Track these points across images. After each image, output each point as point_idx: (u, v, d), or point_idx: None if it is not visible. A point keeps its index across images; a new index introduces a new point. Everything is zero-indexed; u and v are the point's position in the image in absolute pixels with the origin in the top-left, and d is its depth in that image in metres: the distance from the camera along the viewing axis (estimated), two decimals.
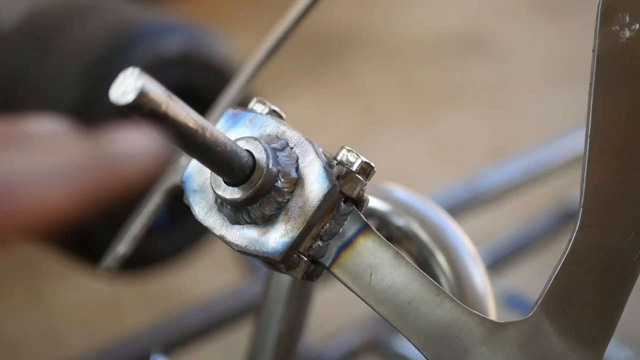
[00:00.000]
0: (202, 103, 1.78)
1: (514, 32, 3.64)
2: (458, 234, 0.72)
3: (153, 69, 1.65)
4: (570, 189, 1.90)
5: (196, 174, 0.64)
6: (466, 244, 0.72)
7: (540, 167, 1.65)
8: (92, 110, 1.59)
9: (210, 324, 1.38)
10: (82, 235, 1.67)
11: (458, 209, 1.50)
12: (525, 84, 3.31)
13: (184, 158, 0.78)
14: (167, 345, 1.28)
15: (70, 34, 1.65)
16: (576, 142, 1.70)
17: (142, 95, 0.49)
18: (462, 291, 0.70)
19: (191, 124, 0.52)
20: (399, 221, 0.73)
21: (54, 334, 2.39)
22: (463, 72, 3.40)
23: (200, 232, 1.84)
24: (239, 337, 1.99)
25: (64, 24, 1.67)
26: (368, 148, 2.88)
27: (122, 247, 0.79)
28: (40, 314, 2.45)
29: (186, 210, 1.73)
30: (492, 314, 0.70)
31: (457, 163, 2.83)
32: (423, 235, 0.72)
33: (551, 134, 2.80)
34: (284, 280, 0.81)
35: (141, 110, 0.49)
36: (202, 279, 2.42)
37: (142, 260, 1.81)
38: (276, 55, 0.84)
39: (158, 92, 0.50)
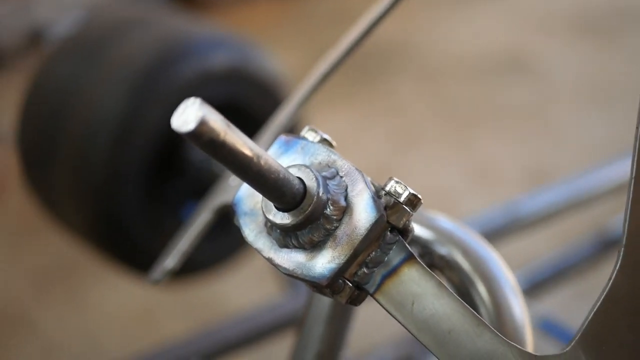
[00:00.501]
0: (248, 119, 1.82)
1: (555, 54, 3.63)
2: (499, 264, 0.73)
3: (200, 84, 1.69)
4: (610, 216, 1.90)
5: (247, 197, 0.66)
6: (507, 275, 0.73)
7: (580, 195, 1.65)
8: (139, 123, 1.63)
9: (249, 336, 1.40)
10: (127, 243, 1.70)
11: (496, 234, 1.51)
12: (566, 107, 3.31)
13: (233, 178, 0.81)
14: (205, 355, 1.30)
15: (119, 47, 1.68)
16: (617, 171, 1.70)
17: (202, 124, 0.50)
18: (501, 321, 0.71)
19: (247, 152, 0.54)
20: (442, 250, 0.74)
21: (92, 338, 2.43)
22: (503, 93, 3.40)
23: (241, 243, 1.86)
24: (277, 350, 2.02)
25: (113, 37, 1.71)
26: (404, 167, 2.89)
27: (171, 261, 0.82)
28: (79, 317, 2.49)
29: (227, 222, 1.75)
30: (530, 346, 0.71)
31: (495, 185, 2.84)
32: (465, 265, 0.73)
33: (590, 158, 2.80)
34: (325, 301, 0.83)
35: (201, 138, 0.51)
36: (239, 291, 2.44)
37: (183, 268, 1.83)
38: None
39: (217, 122, 0.52)
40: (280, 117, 0.86)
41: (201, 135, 0.51)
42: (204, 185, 1.83)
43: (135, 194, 1.67)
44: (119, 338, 2.41)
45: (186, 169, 1.80)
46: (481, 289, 0.72)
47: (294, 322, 1.49)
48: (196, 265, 1.87)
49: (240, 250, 1.89)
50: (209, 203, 0.83)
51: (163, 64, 1.63)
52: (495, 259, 0.74)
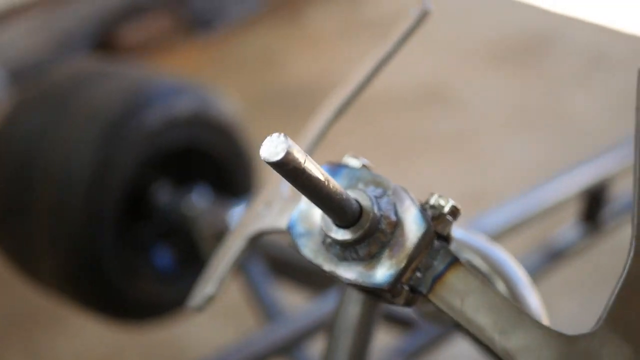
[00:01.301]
0: (208, 160, 1.89)
1: (475, 84, 3.79)
2: (514, 265, 0.84)
3: (165, 130, 1.76)
4: (552, 230, 2.03)
5: (301, 220, 0.75)
6: (522, 275, 0.83)
7: (525, 215, 1.77)
8: (110, 171, 1.69)
9: None
10: (103, 287, 1.75)
11: None
12: (491, 133, 3.46)
13: (262, 208, 0.88)
14: None
15: (86, 98, 1.75)
16: (555, 189, 1.83)
17: (288, 154, 0.59)
18: None
19: (321, 177, 0.63)
20: (463, 257, 0.84)
21: None
22: (431, 123, 3.53)
23: None
24: None
25: (79, 89, 1.77)
26: None
27: (211, 287, 0.88)
28: None
29: (193, 258, 1.82)
30: None
31: None
32: (484, 268, 0.83)
33: (518, 180, 2.95)
34: (354, 312, 0.91)
35: (286, 166, 0.60)
36: (202, 330, 2.49)
37: (150, 309, 1.89)
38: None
39: (299, 152, 0.60)
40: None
41: (287, 163, 0.59)
42: (172, 228, 1.89)
43: (110, 239, 1.72)
44: None
45: (154, 214, 1.87)
46: (501, 287, 0.82)
47: (279, 352, 1.56)
48: (161, 307, 1.93)
49: None
50: (239, 231, 0.90)
51: (129, 113, 1.70)
52: (509, 260, 0.84)
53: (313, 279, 1.80)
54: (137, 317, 1.91)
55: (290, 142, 0.59)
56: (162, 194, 1.87)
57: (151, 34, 4.24)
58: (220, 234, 1.72)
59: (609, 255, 2.38)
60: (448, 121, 3.53)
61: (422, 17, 0.87)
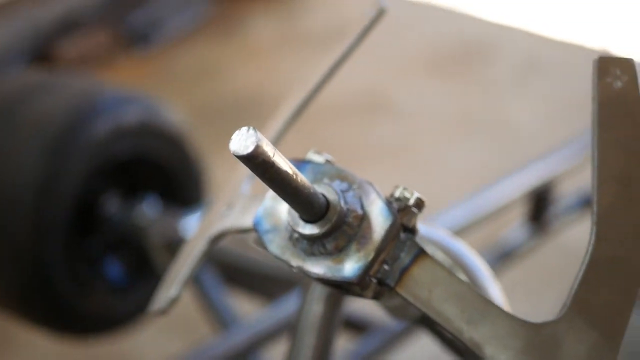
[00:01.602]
0: (156, 169, 1.88)
1: (414, 93, 3.84)
2: (474, 257, 0.85)
3: (112, 140, 1.74)
4: (500, 231, 2.06)
5: (266, 216, 0.75)
6: (482, 266, 0.85)
7: (473, 217, 1.79)
8: (58, 183, 1.66)
9: None
10: (53, 302, 1.72)
11: None
12: (429, 141, 3.50)
13: (224, 209, 0.88)
14: None
15: (32, 109, 1.72)
16: (499, 192, 1.86)
17: (257, 147, 0.59)
18: None
19: (290, 171, 0.63)
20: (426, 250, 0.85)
21: None
22: (371, 133, 3.56)
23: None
24: None
25: (24, 100, 1.74)
26: None
27: (174, 290, 0.88)
28: None
29: (145, 269, 1.80)
30: None
31: None
32: (446, 261, 0.84)
33: (460, 183, 2.99)
34: (316, 310, 0.91)
35: (256, 159, 0.60)
36: (150, 343, 2.46)
37: (103, 322, 1.87)
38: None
39: (268, 145, 0.60)
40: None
41: (257, 157, 0.60)
42: (122, 239, 1.87)
43: (58, 252, 1.69)
44: None
45: (104, 226, 1.84)
46: (464, 278, 0.83)
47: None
48: (114, 320, 1.90)
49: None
50: (201, 233, 0.90)
51: (76, 124, 1.68)
52: (470, 252, 0.85)
53: (266, 286, 1.79)
54: (89, 331, 1.89)
55: (260, 135, 0.60)
56: (112, 205, 1.85)
57: (89, 48, 4.20)
58: (171, 244, 1.71)
59: (553, 255, 2.42)
60: (389, 130, 3.56)
61: (378, 16, 0.88)
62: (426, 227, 0.87)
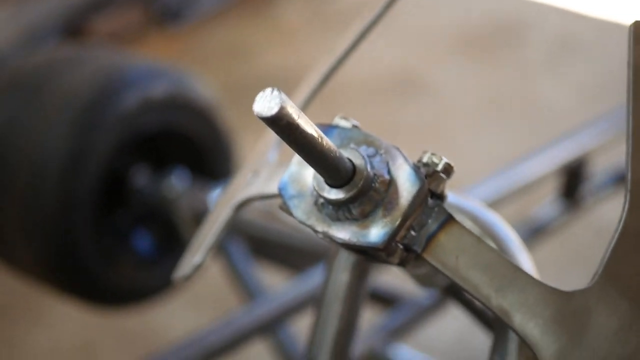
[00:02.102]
0: (186, 143, 1.88)
1: (443, 73, 3.80)
2: (505, 226, 0.83)
3: (141, 113, 1.74)
4: (531, 207, 2.04)
5: (292, 182, 0.73)
6: (512, 235, 0.83)
7: (505, 190, 1.78)
8: (85, 155, 1.66)
9: (227, 343, 1.46)
10: (80, 274, 1.73)
11: None
12: (460, 121, 3.47)
13: (250, 176, 0.87)
14: None
15: (60, 82, 1.72)
16: (531, 167, 1.83)
17: (282, 109, 0.58)
18: None
19: (315, 134, 0.62)
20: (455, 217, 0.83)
21: None
22: (400, 112, 3.53)
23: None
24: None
25: (52, 74, 1.74)
26: None
27: (198, 256, 0.87)
28: (12, 359, 2.47)
29: (173, 242, 1.79)
30: None
31: None
32: (476, 229, 0.82)
33: (488, 163, 2.96)
34: (343, 280, 0.90)
35: (280, 121, 0.59)
36: (176, 317, 2.47)
37: (131, 294, 1.87)
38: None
39: (293, 107, 0.59)
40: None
41: (281, 118, 0.58)
42: (151, 212, 1.88)
43: (86, 225, 1.70)
44: None
45: (133, 198, 1.85)
46: (493, 247, 0.81)
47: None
48: (142, 292, 1.91)
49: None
50: (225, 200, 0.89)
51: (104, 96, 1.68)
52: (500, 221, 0.84)
53: (293, 258, 1.79)
54: (117, 303, 1.89)
55: (284, 97, 0.59)
56: (141, 178, 1.85)
57: (121, 24, 4.21)
58: (200, 217, 1.71)
59: (585, 232, 2.39)
60: (418, 109, 3.53)
61: None
62: (456, 196, 0.85)
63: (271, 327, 1.58)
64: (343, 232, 0.70)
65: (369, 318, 1.85)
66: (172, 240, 1.86)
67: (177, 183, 1.84)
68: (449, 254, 0.70)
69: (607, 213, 1.93)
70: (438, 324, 1.99)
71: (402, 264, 0.71)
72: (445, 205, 0.83)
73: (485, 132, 3.31)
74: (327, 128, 0.74)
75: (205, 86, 1.91)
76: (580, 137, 1.86)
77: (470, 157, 3.17)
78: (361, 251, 0.72)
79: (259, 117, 0.59)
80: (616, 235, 0.69)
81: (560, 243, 2.34)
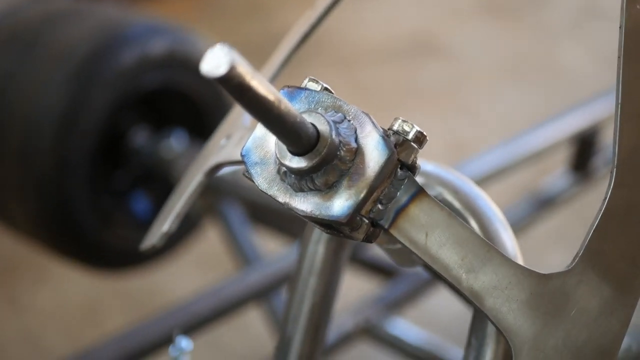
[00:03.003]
0: (186, 101, 1.83)
1: (463, 34, 3.73)
2: (487, 201, 0.77)
3: (139, 70, 1.69)
4: (539, 178, 1.98)
5: (255, 148, 0.68)
6: (495, 211, 0.77)
7: (514, 158, 1.72)
8: (81, 112, 1.62)
9: (213, 313, 1.43)
10: (76, 234, 1.70)
11: None
12: (479, 84, 3.40)
13: (224, 140, 0.83)
14: (185, 328, 1.32)
15: (57, 37, 1.67)
16: (544, 134, 1.77)
17: (233, 68, 0.53)
18: None
19: (270, 96, 0.57)
20: (432, 191, 0.78)
21: (34, 339, 2.39)
22: (418, 75, 3.47)
23: (189, 227, 1.87)
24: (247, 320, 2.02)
25: (49, 28, 1.69)
26: None
27: (167, 224, 0.83)
28: (17, 318, 2.46)
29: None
30: None
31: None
32: (456, 204, 0.77)
33: (506, 128, 2.89)
34: (318, 253, 0.86)
35: (231, 81, 0.53)
36: (180, 278, 2.45)
37: (130, 256, 1.84)
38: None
39: (245, 66, 0.54)
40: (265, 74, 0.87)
41: (231, 78, 0.53)
42: (149, 173, 1.83)
43: (83, 185, 1.66)
44: (62, 337, 2.38)
45: (131, 159, 1.81)
46: (474, 224, 0.76)
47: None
48: (140, 254, 1.87)
49: (186, 237, 1.91)
50: (198, 165, 0.85)
51: (102, 52, 1.63)
52: (483, 196, 0.78)
53: (291, 225, 1.74)
54: (115, 265, 1.86)
55: (235, 54, 0.53)
56: (139, 137, 1.81)
57: None
58: None
59: (596, 205, 2.33)
60: (436, 72, 3.47)
61: None
62: (435, 166, 0.80)
63: (266, 293, 1.54)
64: (305, 204, 0.65)
65: (368, 289, 1.81)
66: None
67: (176, 144, 1.79)
68: (419, 230, 0.65)
69: None
70: (436, 298, 1.94)
71: (368, 239, 0.66)
72: (425, 176, 0.78)
73: (505, 96, 3.24)
74: (294, 90, 0.69)
75: (206, 43, 1.85)
76: (593, 105, 1.79)
77: (488, 120, 3.11)
78: (326, 225, 0.67)
79: (206, 76, 0.54)
80: (599, 214, 0.64)
81: (570, 215, 2.28)
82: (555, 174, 1.93)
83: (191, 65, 1.77)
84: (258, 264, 1.62)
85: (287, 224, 1.75)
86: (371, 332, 1.53)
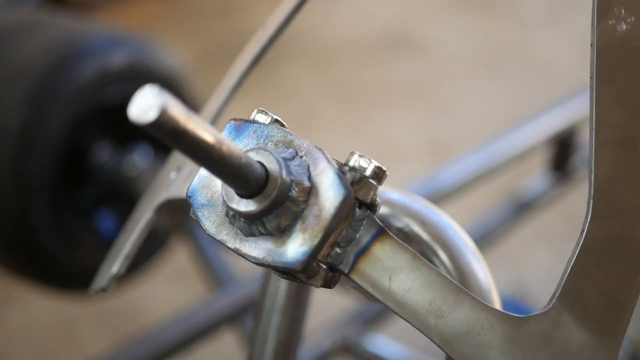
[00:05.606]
0: None
1: (439, 28, 3.68)
2: (457, 231, 0.73)
3: (99, 85, 1.63)
4: (518, 181, 1.94)
5: (202, 188, 0.63)
6: (466, 241, 0.72)
7: (493, 162, 1.68)
8: (40, 130, 1.56)
9: (185, 338, 1.37)
10: (39, 257, 1.64)
11: None
12: (455, 79, 3.36)
13: (174, 173, 0.77)
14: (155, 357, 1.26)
15: (14, 51, 1.61)
16: (522, 136, 1.73)
17: (164, 113, 0.47)
18: (467, 288, 0.70)
19: (209, 139, 0.51)
20: (398, 223, 0.73)
21: (4, 359, 2.34)
22: (393, 71, 3.42)
23: (159, 245, 1.82)
24: (215, 349, 1.97)
25: (6, 42, 1.63)
26: None
27: (116, 266, 0.77)
28: None
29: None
30: (499, 308, 0.71)
31: (397, 161, 2.85)
32: (424, 235, 0.72)
33: (485, 126, 2.85)
34: (281, 288, 0.81)
35: (163, 127, 0.48)
36: (156, 295, 2.39)
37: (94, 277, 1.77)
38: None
39: (178, 109, 0.49)
40: (211, 107, 0.82)
41: (163, 124, 0.48)
42: (113, 191, 1.77)
43: (44, 206, 1.60)
44: (33, 356, 2.33)
45: (94, 176, 1.74)
46: (443, 257, 0.71)
47: (228, 320, 1.46)
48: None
49: (160, 253, 1.85)
50: (147, 201, 0.80)
51: (59, 68, 1.57)
52: (452, 225, 0.73)
53: None
54: (83, 286, 1.80)
55: (166, 96, 0.48)
56: (102, 154, 1.75)
57: None
58: None
59: (580, 203, 2.29)
60: (412, 68, 3.42)
61: None
62: (402, 195, 0.75)
63: (238, 317, 1.48)
64: (257, 250, 0.60)
65: (345, 305, 1.76)
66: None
67: (139, 160, 1.73)
68: (381, 274, 0.60)
69: None
70: None
71: (327, 285, 0.61)
72: (390, 206, 0.74)
73: (482, 91, 3.20)
74: (242, 124, 0.63)
75: (170, 55, 1.79)
76: (571, 105, 1.74)
77: (466, 117, 3.07)
78: (280, 271, 0.61)
79: (136, 123, 0.49)
80: (577, 250, 0.59)
81: (553, 215, 2.24)
82: (534, 176, 1.89)
83: (153, 76, 1.71)
84: (230, 284, 1.56)
85: None
86: (350, 350, 1.48)
